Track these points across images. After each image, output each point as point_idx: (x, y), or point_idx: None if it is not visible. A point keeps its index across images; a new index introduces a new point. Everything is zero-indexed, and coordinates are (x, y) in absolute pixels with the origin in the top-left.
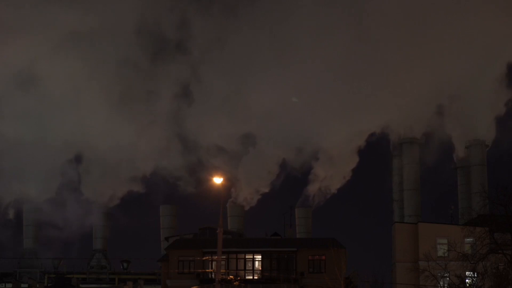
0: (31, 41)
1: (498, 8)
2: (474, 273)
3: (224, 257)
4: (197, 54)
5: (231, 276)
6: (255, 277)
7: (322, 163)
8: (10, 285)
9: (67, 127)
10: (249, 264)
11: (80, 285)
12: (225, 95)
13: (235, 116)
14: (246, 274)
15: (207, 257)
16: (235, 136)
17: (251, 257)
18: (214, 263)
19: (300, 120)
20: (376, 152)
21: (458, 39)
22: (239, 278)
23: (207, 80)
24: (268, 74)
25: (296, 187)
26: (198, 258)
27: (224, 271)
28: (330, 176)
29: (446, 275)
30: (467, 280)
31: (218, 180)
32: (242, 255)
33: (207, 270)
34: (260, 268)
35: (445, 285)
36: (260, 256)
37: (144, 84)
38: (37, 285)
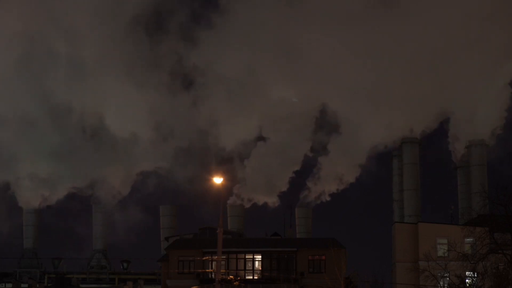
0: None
1: (502, 16)
2: (474, 273)
3: (224, 257)
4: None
5: (231, 276)
6: (255, 277)
7: (323, 163)
8: (10, 285)
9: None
10: (249, 264)
11: (80, 285)
12: (235, 90)
13: (243, 114)
14: (246, 274)
15: (207, 257)
16: (240, 136)
17: (251, 257)
18: (214, 263)
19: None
20: (376, 152)
21: (460, 41)
22: (239, 278)
23: (215, 73)
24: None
25: (297, 186)
26: (198, 258)
27: (224, 271)
28: (331, 176)
29: (446, 275)
30: (467, 280)
31: (218, 180)
32: (242, 255)
33: (207, 270)
34: (260, 268)
35: (445, 285)
36: (260, 256)
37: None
38: (37, 285)
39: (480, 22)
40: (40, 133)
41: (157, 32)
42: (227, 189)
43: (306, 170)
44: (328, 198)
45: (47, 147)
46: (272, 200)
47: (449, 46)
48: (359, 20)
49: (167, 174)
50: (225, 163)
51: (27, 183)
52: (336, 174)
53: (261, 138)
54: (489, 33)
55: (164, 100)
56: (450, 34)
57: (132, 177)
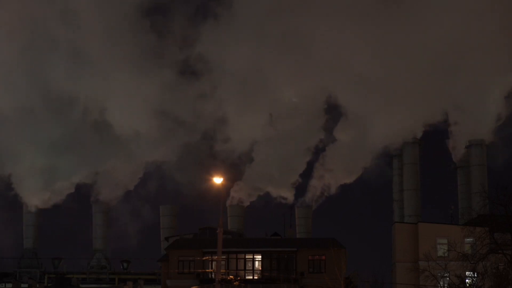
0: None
1: (503, 16)
2: (474, 273)
3: (224, 257)
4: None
5: (231, 276)
6: (255, 277)
7: (323, 162)
8: (10, 285)
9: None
10: (249, 264)
11: (80, 285)
12: (241, 84)
13: (250, 109)
14: (246, 274)
15: (207, 257)
16: (246, 131)
17: (251, 257)
18: (214, 263)
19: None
20: (377, 152)
21: (461, 42)
22: (239, 278)
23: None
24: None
25: (298, 186)
26: (198, 258)
27: (224, 271)
28: (331, 176)
29: (446, 275)
30: (467, 280)
31: (218, 180)
32: (242, 255)
33: (207, 270)
34: (260, 268)
35: (445, 285)
36: (260, 256)
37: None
38: (37, 285)
39: (481, 23)
40: (40, 128)
41: (162, 24)
42: (231, 185)
43: (311, 165)
44: (335, 191)
45: (47, 143)
46: (276, 195)
47: (450, 46)
48: (367, 15)
49: (168, 174)
50: (231, 159)
51: (28, 182)
52: (342, 169)
53: (267, 133)
54: (491, 33)
55: (168, 95)
56: (452, 35)
57: (133, 176)
